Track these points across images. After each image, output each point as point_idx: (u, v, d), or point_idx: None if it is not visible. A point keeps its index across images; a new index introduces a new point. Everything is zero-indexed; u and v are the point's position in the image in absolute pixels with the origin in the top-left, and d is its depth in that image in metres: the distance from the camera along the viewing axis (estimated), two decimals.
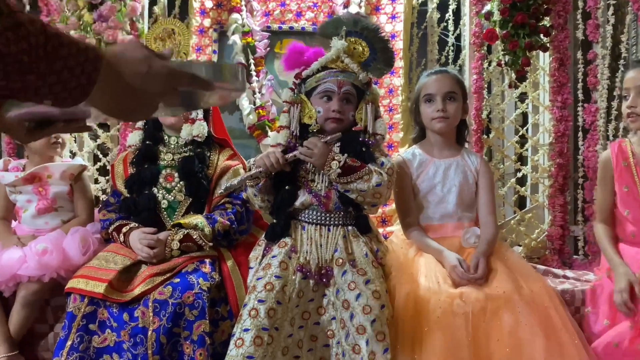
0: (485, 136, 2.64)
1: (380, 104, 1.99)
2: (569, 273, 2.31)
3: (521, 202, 2.95)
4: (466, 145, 2.16)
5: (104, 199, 2.32)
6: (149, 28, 2.58)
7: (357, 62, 1.86)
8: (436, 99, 2.00)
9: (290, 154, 1.78)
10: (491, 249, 1.89)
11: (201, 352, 1.70)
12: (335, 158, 1.75)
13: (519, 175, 2.76)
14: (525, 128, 2.78)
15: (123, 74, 0.75)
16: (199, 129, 2.07)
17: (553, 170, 2.58)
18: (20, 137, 0.89)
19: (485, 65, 2.65)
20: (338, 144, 1.83)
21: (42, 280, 1.94)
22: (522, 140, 2.86)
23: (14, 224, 2.20)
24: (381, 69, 1.88)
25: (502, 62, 2.48)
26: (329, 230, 1.81)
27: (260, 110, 2.71)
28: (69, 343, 1.73)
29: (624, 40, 2.54)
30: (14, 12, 0.66)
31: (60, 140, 2.19)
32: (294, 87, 1.90)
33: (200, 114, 2.10)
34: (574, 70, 2.61)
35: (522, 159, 2.93)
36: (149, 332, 1.72)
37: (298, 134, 1.86)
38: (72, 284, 1.82)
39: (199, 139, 2.08)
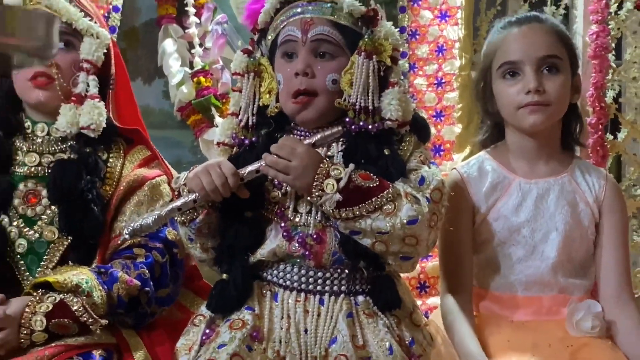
0: (610, 136, 2.64)
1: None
2: None
3: None
4: (577, 150, 2.20)
5: None
6: None
7: None
8: (524, 69, 2.00)
9: (248, 169, 1.78)
10: None
11: None
12: (332, 174, 1.72)
13: None
14: None
15: None
16: (92, 114, 2.05)
17: None
18: None
19: (613, 6, 2.64)
20: (340, 145, 1.84)
21: None
22: None
23: None
24: None
25: None
26: (321, 302, 1.81)
27: (202, 78, 2.74)
28: None
29: None
30: None
31: None
32: (251, 47, 1.93)
33: (92, 86, 2.07)
34: None
35: None
36: None
37: (253, 123, 1.87)
38: None
39: (92, 133, 2.06)
